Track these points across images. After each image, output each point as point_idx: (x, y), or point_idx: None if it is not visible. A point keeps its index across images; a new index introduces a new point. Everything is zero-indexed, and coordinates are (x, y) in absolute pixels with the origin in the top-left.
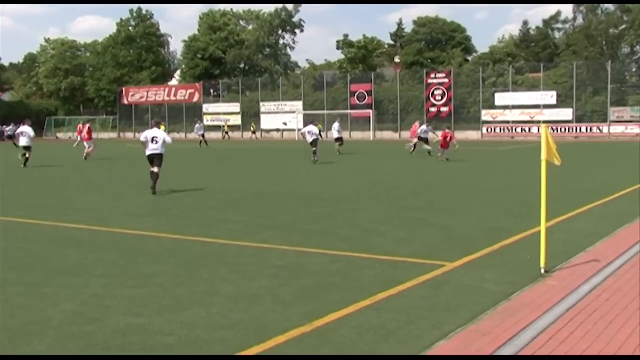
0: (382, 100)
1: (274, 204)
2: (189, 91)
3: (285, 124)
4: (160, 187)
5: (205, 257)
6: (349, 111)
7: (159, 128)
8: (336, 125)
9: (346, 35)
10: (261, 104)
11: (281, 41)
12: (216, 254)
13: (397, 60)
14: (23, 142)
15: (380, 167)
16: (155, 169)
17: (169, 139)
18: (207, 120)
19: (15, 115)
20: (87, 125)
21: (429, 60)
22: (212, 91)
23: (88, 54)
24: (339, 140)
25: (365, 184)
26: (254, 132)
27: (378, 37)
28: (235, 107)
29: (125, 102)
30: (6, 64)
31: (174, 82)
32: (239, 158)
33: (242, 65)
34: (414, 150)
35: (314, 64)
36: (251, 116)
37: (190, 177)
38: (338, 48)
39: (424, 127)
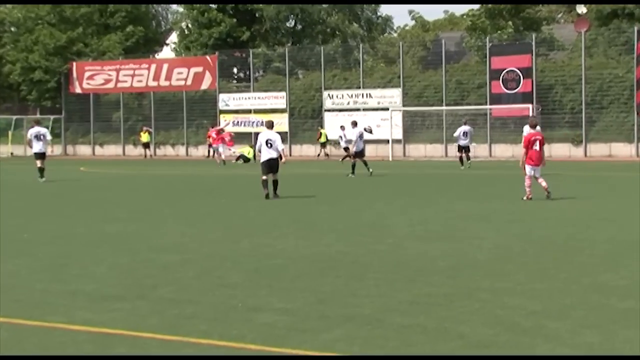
0: (551, 85)
1: (347, 276)
2: (194, 70)
3: (368, 129)
4: (133, 245)
5: None
6: (488, 106)
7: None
8: (354, 131)
9: None
10: (326, 93)
11: None
12: None
13: (580, 10)
14: (38, 147)
15: (542, 208)
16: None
17: None
18: (228, 123)
19: None
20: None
21: None
22: (235, 70)
23: (7, 5)
24: (359, 154)
25: (515, 242)
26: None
27: None
28: (279, 99)
29: (77, 89)
30: None
31: (166, 53)
32: (286, 190)
33: (290, 24)
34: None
35: (422, 19)
36: (309, 116)
37: (194, 225)
38: None
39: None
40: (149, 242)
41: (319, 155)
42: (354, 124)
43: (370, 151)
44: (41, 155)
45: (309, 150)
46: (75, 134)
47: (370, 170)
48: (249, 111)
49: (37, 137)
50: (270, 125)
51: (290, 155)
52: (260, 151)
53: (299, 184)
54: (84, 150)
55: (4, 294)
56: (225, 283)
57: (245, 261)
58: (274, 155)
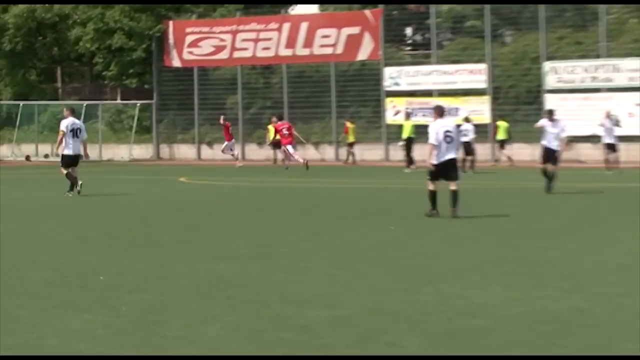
0: None
1: (585, 345)
2: (347, 31)
3: (614, 120)
4: (259, 294)
5: None
6: None
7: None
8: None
9: None
10: (548, 65)
11: None
12: None
13: None
14: (73, 146)
15: None
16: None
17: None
18: (397, 111)
19: None
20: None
21: None
22: (409, 31)
23: None
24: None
25: None
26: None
27: None
28: (475, 74)
29: (176, 61)
30: None
31: (305, 7)
32: (484, 212)
33: None
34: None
35: None
36: (521, 100)
37: (349, 266)
38: None
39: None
40: (283, 290)
41: (496, 161)
42: (550, 114)
43: (630, 152)
44: (75, 159)
45: (523, 153)
46: (173, 127)
47: (552, 187)
48: (429, 93)
49: (74, 132)
50: (441, 112)
51: (495, 160)
52: (439, 148)
53: (505, 204)
54: (184, 151)
55: None
56: (397, 352)
57: (427, 320)
58: (455, 154)
